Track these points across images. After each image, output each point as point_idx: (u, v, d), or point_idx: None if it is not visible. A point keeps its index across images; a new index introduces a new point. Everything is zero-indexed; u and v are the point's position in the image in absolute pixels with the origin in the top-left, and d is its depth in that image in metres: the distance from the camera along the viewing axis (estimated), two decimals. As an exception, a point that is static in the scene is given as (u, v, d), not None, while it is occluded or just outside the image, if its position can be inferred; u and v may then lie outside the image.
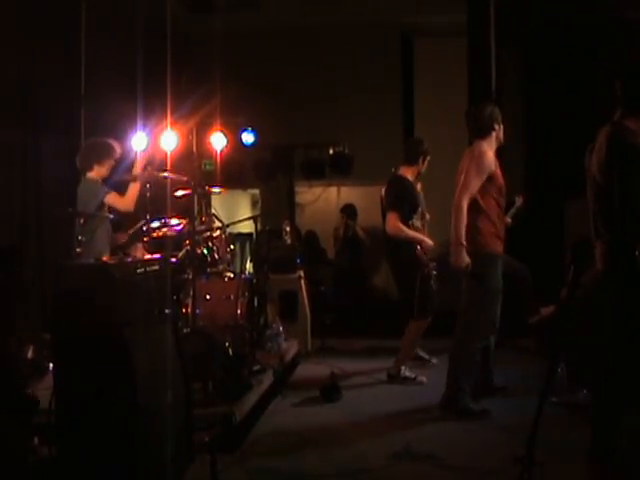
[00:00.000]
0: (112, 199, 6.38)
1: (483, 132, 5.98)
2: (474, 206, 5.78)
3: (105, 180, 6.52)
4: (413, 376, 6.97)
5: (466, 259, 5.73)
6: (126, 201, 6.44)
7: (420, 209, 7.08)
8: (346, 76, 11.26)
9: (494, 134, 5.99)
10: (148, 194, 6.37)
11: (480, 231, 5.82)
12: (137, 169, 6.54)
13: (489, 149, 5.92)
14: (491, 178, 5.84)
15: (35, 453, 4.51)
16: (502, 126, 6.06)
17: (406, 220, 6.89)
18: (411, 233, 6.91)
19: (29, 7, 7.33)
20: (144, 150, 6.97)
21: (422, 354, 7.66)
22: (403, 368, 7.00)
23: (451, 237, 5.78)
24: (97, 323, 3.87)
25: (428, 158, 7.29)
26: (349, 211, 11.19)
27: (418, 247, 6.90)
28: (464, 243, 5.72)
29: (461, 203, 5.71)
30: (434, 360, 7.62)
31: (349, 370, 7.47)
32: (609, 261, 4.32)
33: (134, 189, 6.45)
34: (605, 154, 4.25)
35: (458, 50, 9.73)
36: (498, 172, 5.91)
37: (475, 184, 5.76)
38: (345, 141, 11.39)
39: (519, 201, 7.85)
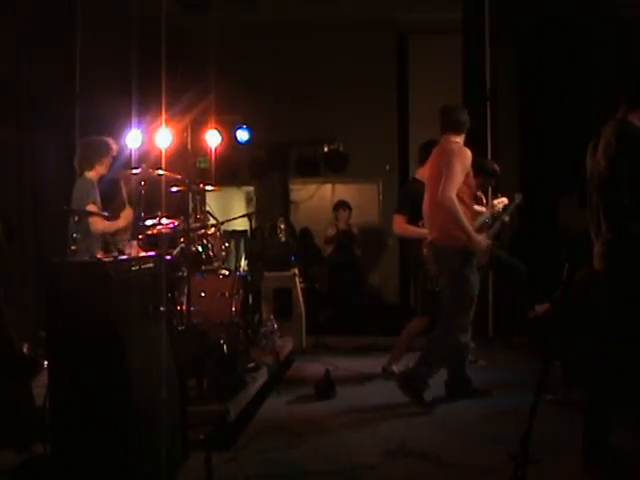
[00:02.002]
0: (91, 211, 6.22)
1: (457, 129, 6.04)
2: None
3: (101, 178, 6.49)
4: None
5: (486, 240, 5.98)
6: (102, 224, 6.31)
7: None
8: (341, 74, 11.27)
9: (464, 135, 6.05)
10: (143, 192, 6.36)
11: (457, 226, 5.85)
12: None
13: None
14: (467, 175, 5.92)
15: (30, 451, 4.52)
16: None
17: (415, 221, 6.91)
18: (415, 231, 6.93)
19: (24, 6, 7.32)
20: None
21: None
22: (394, 365, 7.03)
23: (458, 231, 5.82)
24: (92, 321, 3.87)
25: None
26: (346, 206, 11.19)
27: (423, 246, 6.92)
28: (471, 230, 5.84)
29: (451, 197, 5.74)
30: (482, 361, 7.64)
31: (343, 367, 7.47)
32: (610, 259, 4.32)
33: (116, 224, 6.39)
34: (614, 149, 4.23)
35: (453, 48, 9.74)
36: (471, 170, 5.99)
37: (460, 179, 5.82)
38: (340, 139, 11.42)
39: (518, 198, 7.85)
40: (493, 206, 7.41)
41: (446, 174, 5.80)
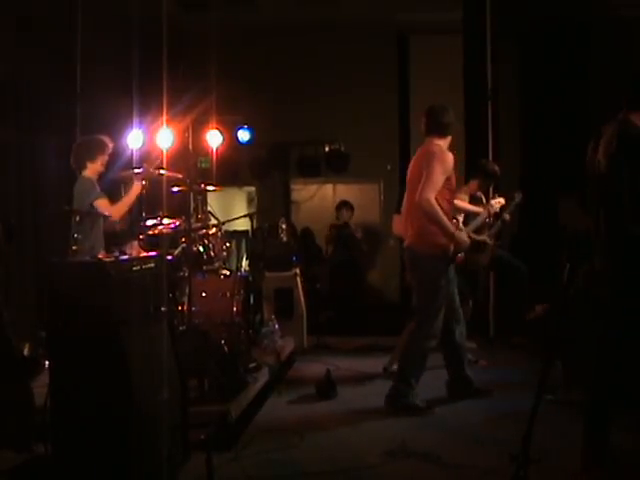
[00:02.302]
0: (102, 205, 6.25)
1: (442, 131, 5.97)
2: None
3: (101, 176, 6.49)
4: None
5: (465, 238, 5.93)
6: (116, 209, 6.33)
7: None
8: (342, 74, 11.27)
9: (449, 138, 6.00)
10: (144, 191, 6.36)
11: (433, 232, 5.82)
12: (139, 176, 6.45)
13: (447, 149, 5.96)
14: (449, 179, 5.86)
15: (30, 451, 4.52)
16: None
17: None
18: None
19: (24, 5, 7.32)
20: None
21: (469, 356, 7.64)
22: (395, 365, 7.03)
23: (438, 234, 5.80)
24: (93, 321, 3.87)
25: None
26: (348, 206, 11.19)
27: None
28: (453, 229, 5.82)
29: (429, 199, 5.68)
30: (483, 361, 7.63)
31: (344, 367, 7.47)
32: (610, 260, 4.31)
33: (128, 198, 6.39)
34: (615, 150, 4.23)
35: (454, 48, 9.74)
36: (453, 174, 5.94)
37: (440, 181, 5.76)
38: (341, 139, 11.42)
39: (518, 197, 7.87)
40: (491, 206, 7.43)
41: (426, 176, 5.73)
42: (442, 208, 5.77)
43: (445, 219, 5.77)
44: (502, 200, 7.51)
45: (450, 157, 5.86)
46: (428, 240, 5.84)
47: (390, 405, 5.93)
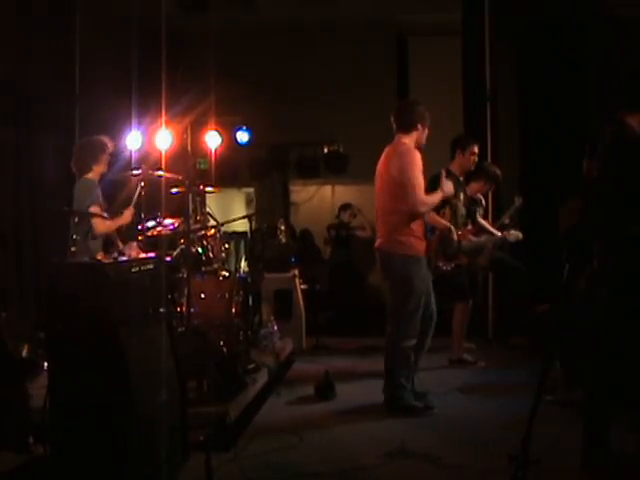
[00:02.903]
0: (92, 212, 6.16)
1: (406, 127, 5.96)
2: (405, 207, 5.79)
3: (102, 177, 6.48)
4: None
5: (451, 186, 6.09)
6: (105, 225, 6.25)
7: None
8: (341, 75, 11.28)
9: (415, 133, 5.96)
10: (142, 193, 6.35)
11: (410, 233, 5.84)
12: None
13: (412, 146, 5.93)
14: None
15: (30, 452, 4.52)
16: (427, 130, 6.02)
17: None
18: None
19: (24, 5, 7.32)
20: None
21: (468, 357, 7.64)
22: None
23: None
24: (92, 322, 3.87)
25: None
26: (350, 208, 11.21)
27: None
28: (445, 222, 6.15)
29: (423, 200, 5.75)
30: (481, 362, 7.64)
31: (343, 369, 7.47)
32: (610, 262, 4.31)
33: (115, 222, 6.32)
34: (612, 154, 4.23)
35: (453, 49, 9.74)
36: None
37: (421, 180, 5.75)
38: (340, 140, 11.43)
39: (518, 201, 7.87)
40: (508, 234, 7.45)
41: (407, 184, 5.71)
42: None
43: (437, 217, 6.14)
44: (520, 235, 7.56)
45: (417, 154, 5.83)
46: (400, 240, 5.84)
47: (388, 408, 5.92)
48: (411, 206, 5.73)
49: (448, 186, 5.99)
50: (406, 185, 5.72)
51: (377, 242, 6.06)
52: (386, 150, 6.05)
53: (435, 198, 5.92)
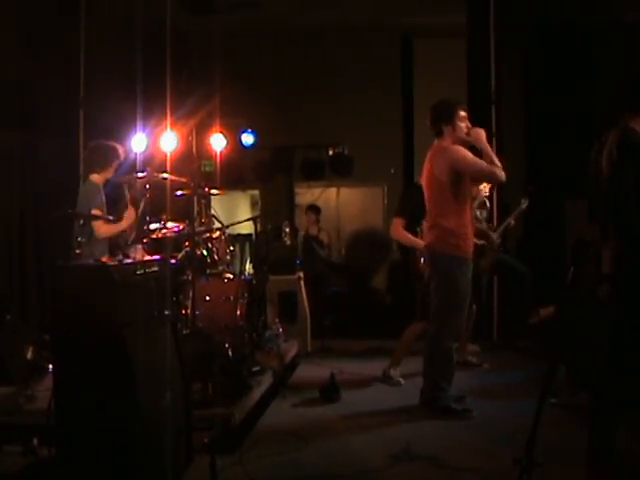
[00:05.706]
0: (97, 216, 6.18)
1: (436, 132, 6.02)
2: (453, 207, 5.84)
3: (108, 180, 6.49)
4: (397, 378, 6.97)
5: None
6: (106, 228, 6.28)
7: None
8: (346, 77, 11.29)
9: (446, 133, 5.96)
10: (148, 195, 6.36)
11: (456, 234, 5.86)
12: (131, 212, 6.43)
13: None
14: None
15: (35, 454, 4.53)
16: (458, 122, 6.01)
17: (412, 226, 6.90)
18: (409, 239, 6.96)
19: (28, 7, 7.34)
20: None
21: (472, 359, 7.63)
22: (393, 369, 7.01)
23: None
24: (97, 324, 3.87)
25: None
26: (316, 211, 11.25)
27: (417, 253, 6.92)
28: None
29: (489, 166, 5.81)
30: (486, 365, 7.63)
31: (348, 371, 7.46)
32: (618, 264, 4.30)
33: (118, 227, 6.34)
34: (616, 157, 4.23)
35: (458, 51, 9.74)
36: None
37: (476, 158, 5.84)
38: (345, 142, 11.40)
39: (524, 203, 7.87)
40: (479, 192, 7.42)
41: (469, 170, 5.85)
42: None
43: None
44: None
45: (458, 147, 5.88)
46: (449, 241, 5.84)
47: (428, 408, 5.90)
48: (489, 180, 5.99)
49: (475, 131, 5.97)
50: (467, 173, 5.82)
51: (425, 240, 6.19)
52: (428, 155, 6.08)
53: (489, 150, 5.88)
